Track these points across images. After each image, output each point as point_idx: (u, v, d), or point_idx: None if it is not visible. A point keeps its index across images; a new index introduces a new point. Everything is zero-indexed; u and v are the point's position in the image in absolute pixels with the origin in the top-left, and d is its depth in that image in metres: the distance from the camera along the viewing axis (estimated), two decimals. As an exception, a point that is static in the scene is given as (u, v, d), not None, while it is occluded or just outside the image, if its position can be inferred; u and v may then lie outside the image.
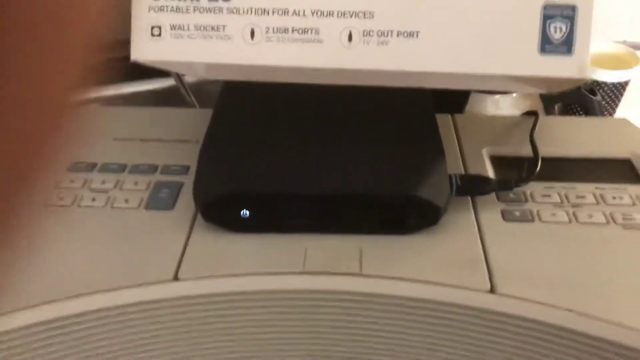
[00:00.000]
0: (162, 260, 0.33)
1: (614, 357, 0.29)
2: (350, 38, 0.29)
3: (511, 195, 0.37)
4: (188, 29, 0.29)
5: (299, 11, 0.29)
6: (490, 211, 0.36)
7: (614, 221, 0.35)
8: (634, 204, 0.36)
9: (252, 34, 0.29)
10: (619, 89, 0.66)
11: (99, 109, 0.50)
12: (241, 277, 0.32)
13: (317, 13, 0.29)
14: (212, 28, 0.29)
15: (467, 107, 0.61)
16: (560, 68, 0.28)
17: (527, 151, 0.40)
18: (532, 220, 0.35)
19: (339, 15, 0.29)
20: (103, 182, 0.38)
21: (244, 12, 0.29)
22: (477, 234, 0.34)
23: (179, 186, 0.38)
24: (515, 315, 0.30)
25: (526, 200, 0.36)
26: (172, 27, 0.29)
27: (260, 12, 0.29)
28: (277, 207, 0.33)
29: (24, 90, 0.12)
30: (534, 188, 0.37)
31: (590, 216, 0.35)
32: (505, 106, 0.62)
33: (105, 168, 0.40)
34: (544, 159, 0.38)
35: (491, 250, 0.33)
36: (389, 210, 0.33)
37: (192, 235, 0.34)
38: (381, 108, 0.38)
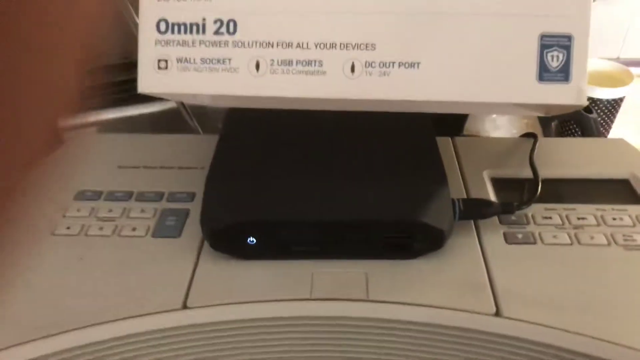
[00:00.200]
0: (171, 288, 0.33)
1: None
2: (352, 69, 0.29)
3: (513, 217, 0.37)
4: (194, 62, 0.30)
5: (302, 44, 0.29)
6: (493, 234, 0.36)
7: (615, 242, 0.35)
8: (634, 225, 0.37)
9: (257, 66, 0.30)
10: (614, 105, 0.67)
11: (102, 137, 0.51)
12: (249, 304, 0.32)
13: (320, 45, 0.29)
14: (218, 61, 0.30)
15: (466, 125, 0.62)
16: (559, 95, 0.29)
17: (527, 173, 0.41)
18: (535, 242, 0.36)
19: (342, 47, 0.29)
20: (110, 211, 0.39)
21: (249, 45, 0.30)
22: (481, 257, 0.35)
23: (186, 213, 0.38)
24: (522, 338, 0.31)
25: (528, 223, 0.37)
26: (179, 60, 0.30)
27: (265, 45, 0.30)
28: (284, 234, 0.34)
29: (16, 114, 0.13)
30: (535, 210, 0.38)
31: (592, 237, 0.36)
32: (503, 124, 0.63)
33: (112, 196, 0.40)
34: (544, 181, 0.39)
35: (495, 274, 0.33)
36: (394, 235, 0.33)
37: (200, 263, 0.35)
38: (384, 133, 0.39)
